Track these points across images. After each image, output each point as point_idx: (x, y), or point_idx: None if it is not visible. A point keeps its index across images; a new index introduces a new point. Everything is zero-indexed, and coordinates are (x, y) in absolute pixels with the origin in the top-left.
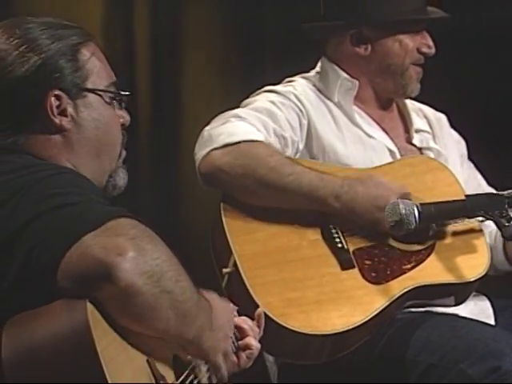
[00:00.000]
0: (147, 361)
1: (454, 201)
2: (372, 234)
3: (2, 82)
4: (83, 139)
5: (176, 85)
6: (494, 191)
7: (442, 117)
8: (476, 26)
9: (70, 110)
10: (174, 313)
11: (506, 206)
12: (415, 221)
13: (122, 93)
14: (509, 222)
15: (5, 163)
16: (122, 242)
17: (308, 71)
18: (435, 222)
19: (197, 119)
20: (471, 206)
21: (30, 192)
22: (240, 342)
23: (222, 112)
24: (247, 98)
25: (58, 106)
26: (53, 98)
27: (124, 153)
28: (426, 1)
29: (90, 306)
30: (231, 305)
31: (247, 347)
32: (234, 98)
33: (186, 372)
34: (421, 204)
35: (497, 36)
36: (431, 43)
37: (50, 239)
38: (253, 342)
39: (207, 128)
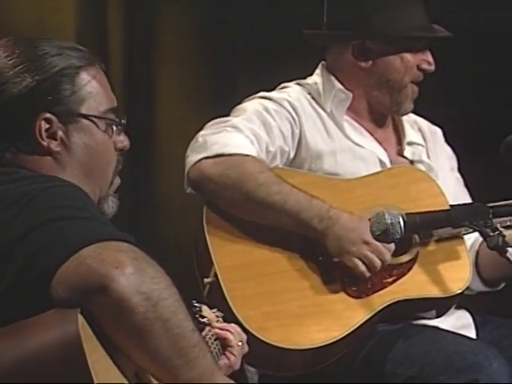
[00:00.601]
0: (136, 373)
1: (439, 211)
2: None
3: None
4: (73, 162)
5: (149, 99)
6: None
7: (438, 130)
8: (472, 33)
9: (60, 133)
10: (167, 343)
11: (491, 215)
12: (400, 230)
13: (117, 120)
14: (493, 232)
15: (1, 175)
16: (121, 258)
17: (279, 84)
18: (420, 232)
19: (170, 133)
20: (456, 215)
21: (34, 200)
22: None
23: (195, 125)
24: (240, 103)
25: (47, 130)
26: (42, 122)
27: (117, 181)
28: (429, 18)
29: (81, 318)
30: None
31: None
32: (207, 113)
33: None
34: (406, 214)
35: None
36: (431, 60)
37: (50, 248)
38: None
39: (202, 133)
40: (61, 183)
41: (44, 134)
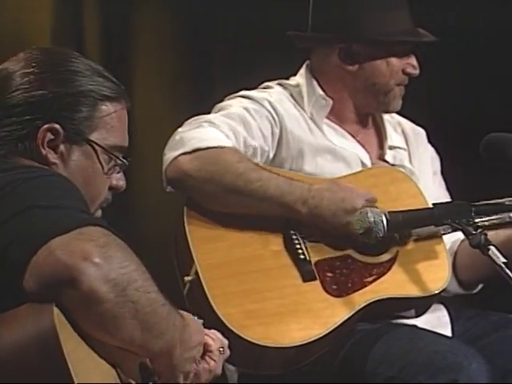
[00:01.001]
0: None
1: (421, 209)
2: (335, 244)
3: (10, 96)
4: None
5: None
6: None
7: (421, 132)
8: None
9: (61, 148)
10: (138, 324)
11: (473, 214)
12: (384, 229)
13: (122, 159)
14: (476, 231)
15: None
16: (89, 248)
17: (257, 85)
18: (403, 231)
19: (146, 133)
20: (439, 214)
21: (16, 189)
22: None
23: (172, 124)
24: (221, 101)
25: (50, 140)
26: (49, 132)
27: (98, 214)
28: (415, 22)
29: (56, 309)
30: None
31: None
32: (184, 111)
33: None
34: (389, 212)
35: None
36: (416, 64)
37: (22, 238)
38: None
39: (179, 130)
40: (48, 173)
41: (46, 144)
